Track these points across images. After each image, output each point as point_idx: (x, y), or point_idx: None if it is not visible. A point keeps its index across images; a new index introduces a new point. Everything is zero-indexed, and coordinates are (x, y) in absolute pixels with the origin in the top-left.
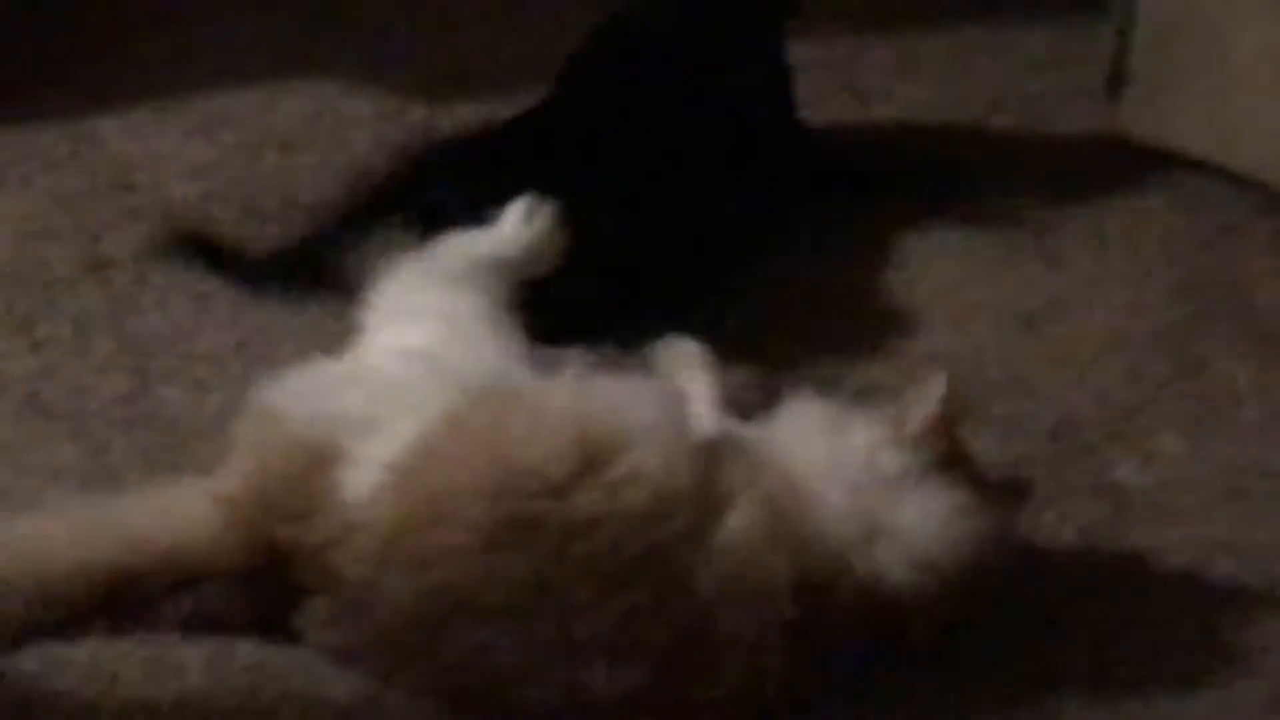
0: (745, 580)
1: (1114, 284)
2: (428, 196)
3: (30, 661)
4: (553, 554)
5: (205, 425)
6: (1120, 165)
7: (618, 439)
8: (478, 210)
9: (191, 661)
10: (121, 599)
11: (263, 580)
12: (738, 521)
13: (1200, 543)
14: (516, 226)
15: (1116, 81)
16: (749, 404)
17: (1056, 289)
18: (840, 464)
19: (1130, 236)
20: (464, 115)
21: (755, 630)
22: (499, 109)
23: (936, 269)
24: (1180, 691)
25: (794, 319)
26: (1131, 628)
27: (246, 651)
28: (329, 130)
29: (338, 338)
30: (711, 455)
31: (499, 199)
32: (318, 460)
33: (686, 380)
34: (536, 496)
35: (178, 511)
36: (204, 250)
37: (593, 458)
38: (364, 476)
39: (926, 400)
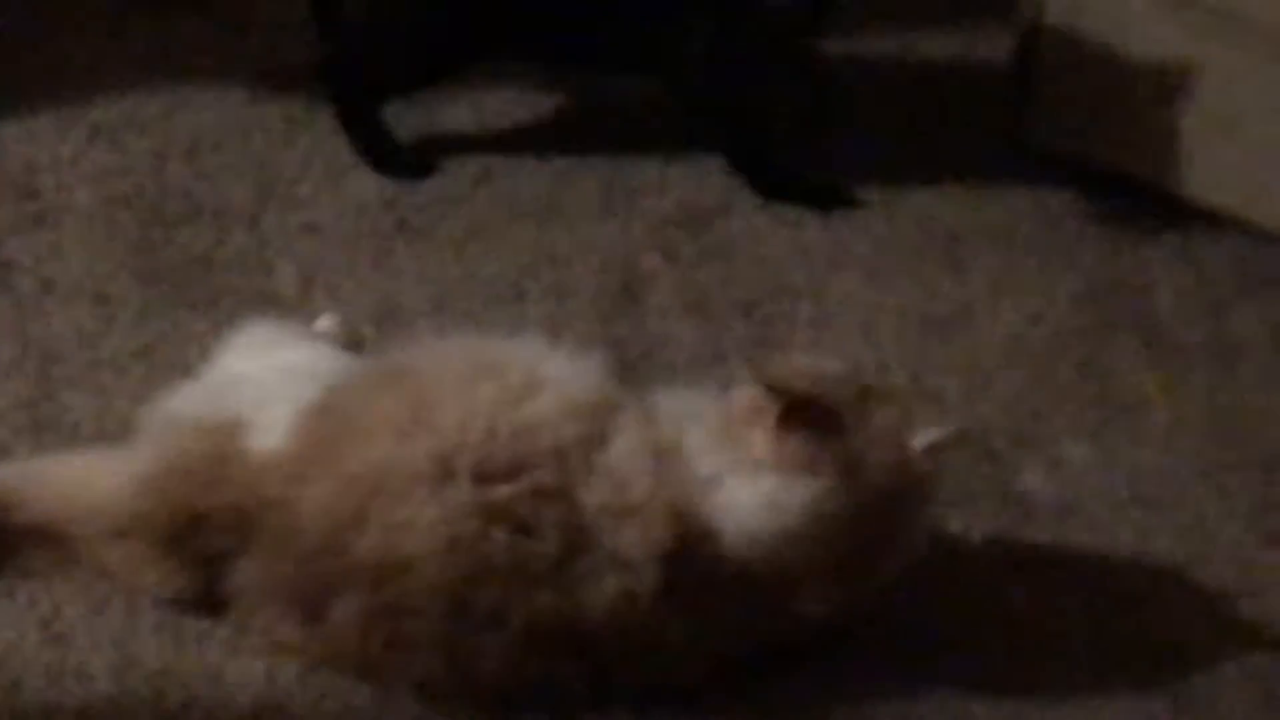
0: (625, 499)
1: (1020, 291)
2: None
3: None
4: (456, 466)
5: (109, 431)
6: (1026, 173)
7: (519, 368)
8: None
9: (97, 667)
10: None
11: (177, 550)
12: (624, 444)
13: (1105, 549)
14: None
15: (1023, 89)
16: None
17: (963, 296)
18: (696, 443)
19: (1036, 244)
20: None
21: (631, 549)
22: (405, 113)
23: (844, 275)
24: (1086, 695)
25: (702, 322)
26: (1037, 632)
27: (152, 657)
28: (235, 135)
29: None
30: (605, 402)
31: None
32: (224, 435)
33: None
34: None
35: (96, 473)
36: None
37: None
38: (272, 429)
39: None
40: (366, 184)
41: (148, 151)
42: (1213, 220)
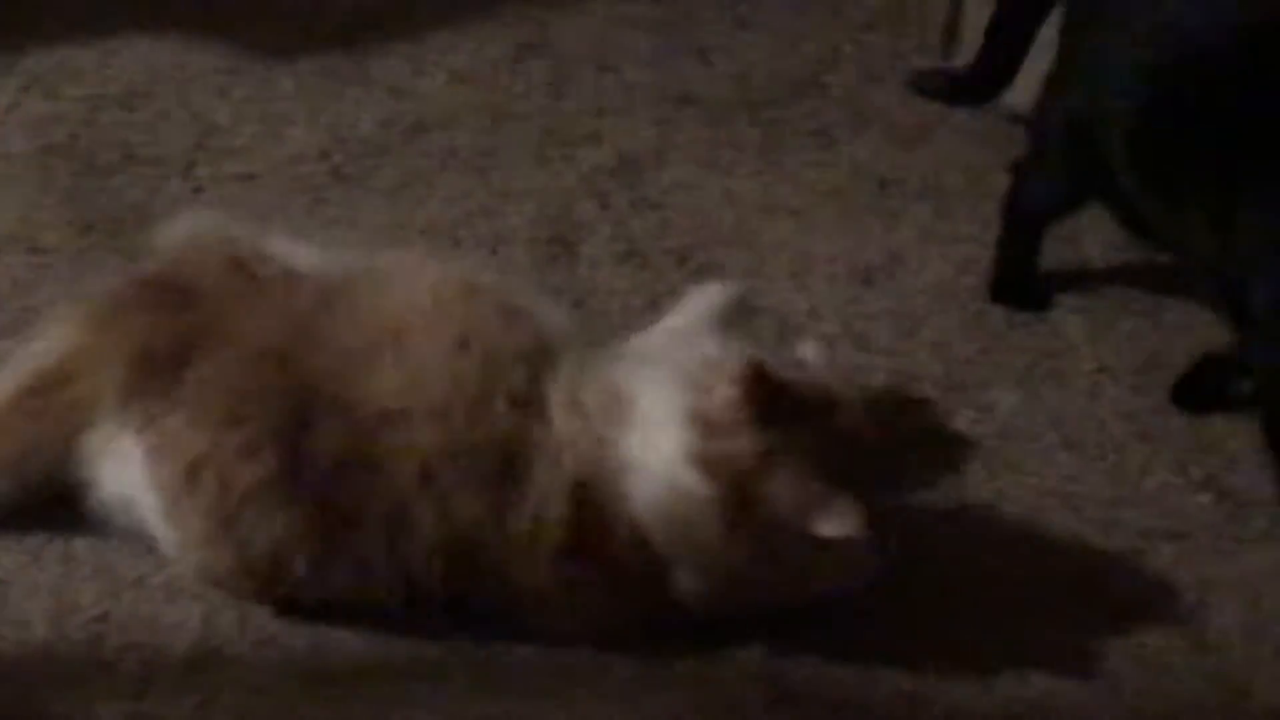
0: (550, 433)
1: (949, 239)
2: None
3: None
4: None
5: None
6: (955, 122)
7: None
8: None
9: (34, 614)
10: None
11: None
12: (569, 384)
13: (1036, 492)
14: None
15: (950, 38)
16: None
17: (894, 245)
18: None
19: (966, 193)
20: (306, 69)
21: (547, 482)
22: (340, 63)
23: (776, 224)
24: (1015, 635)
25: (635, 271)
26: (968, 575)
27: (90, 602)
28: (169, 84)
29: None
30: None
31: None
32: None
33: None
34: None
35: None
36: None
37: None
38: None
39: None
40: (301, 133)
41: (82, 100)
42: None
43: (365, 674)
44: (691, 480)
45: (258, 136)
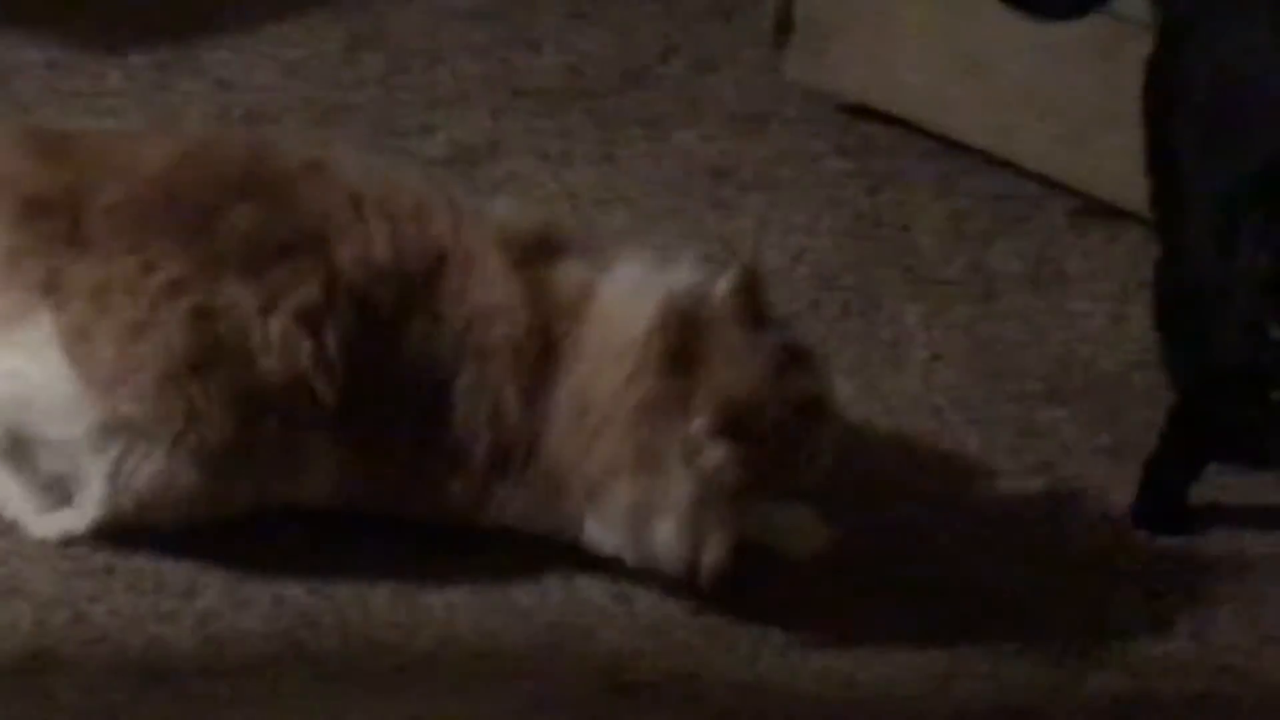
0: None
1: (784, 228)
2: None
3: None
4: None
5: None
6: (789, 112)
7: None
8: None
9: None
10: None
11: None
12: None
13: (870, 481)
14: None
15: (783, 29)
16: None
17: (728, 234)
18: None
19: (800, 182)
20: (136, 62)
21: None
22: (170, 56)
23: (612, 215)
24: (855, 630)
25: None
26: (803, 570)
27: (34, 585)
28: None
29: None
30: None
31: None
32: None
33: None
34: None
35: None
36: None
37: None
38: None
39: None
40: (131, 127)
41: None
42: (970, 156)
43: (198, 672)
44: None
45: None
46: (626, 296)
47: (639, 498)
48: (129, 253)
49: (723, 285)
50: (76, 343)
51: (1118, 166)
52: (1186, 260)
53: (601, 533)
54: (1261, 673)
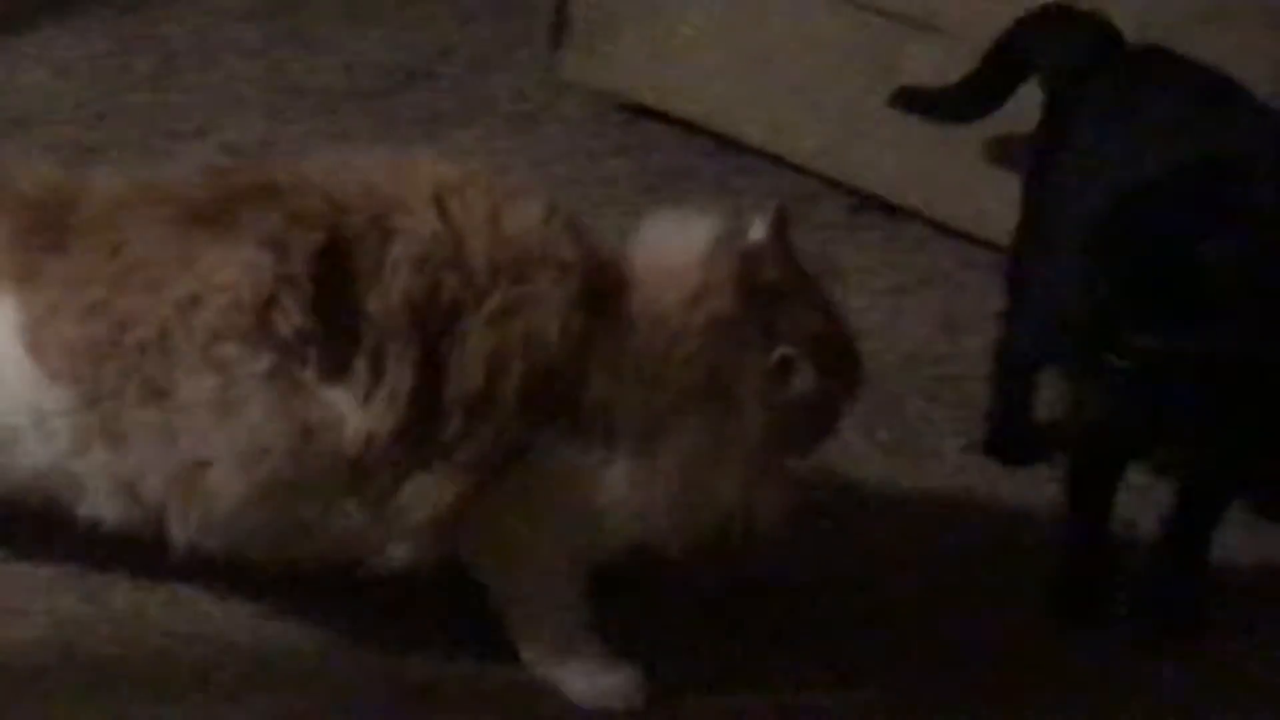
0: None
1: None
2: None
3: None
4: None
5: None
6: (567, 111)
7: None
8: None
9: None
10: None
11: None
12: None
13: None
14: None
15: (559, 29)
16: None
17: None
18: None
19: (578, 181)
20: None
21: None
22: None
23: None
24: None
25: None
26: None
27: None
28: None
29: None
30: None
31: None
32: None
33: None
34: None
35: None
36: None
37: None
38: None
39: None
40: None
41: None
42: (748, 155)
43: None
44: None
45: None
46: (671, 234)
47: (707, 433)
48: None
49: (760, 225)
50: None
51: (893, 163)
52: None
53: (646, 484)
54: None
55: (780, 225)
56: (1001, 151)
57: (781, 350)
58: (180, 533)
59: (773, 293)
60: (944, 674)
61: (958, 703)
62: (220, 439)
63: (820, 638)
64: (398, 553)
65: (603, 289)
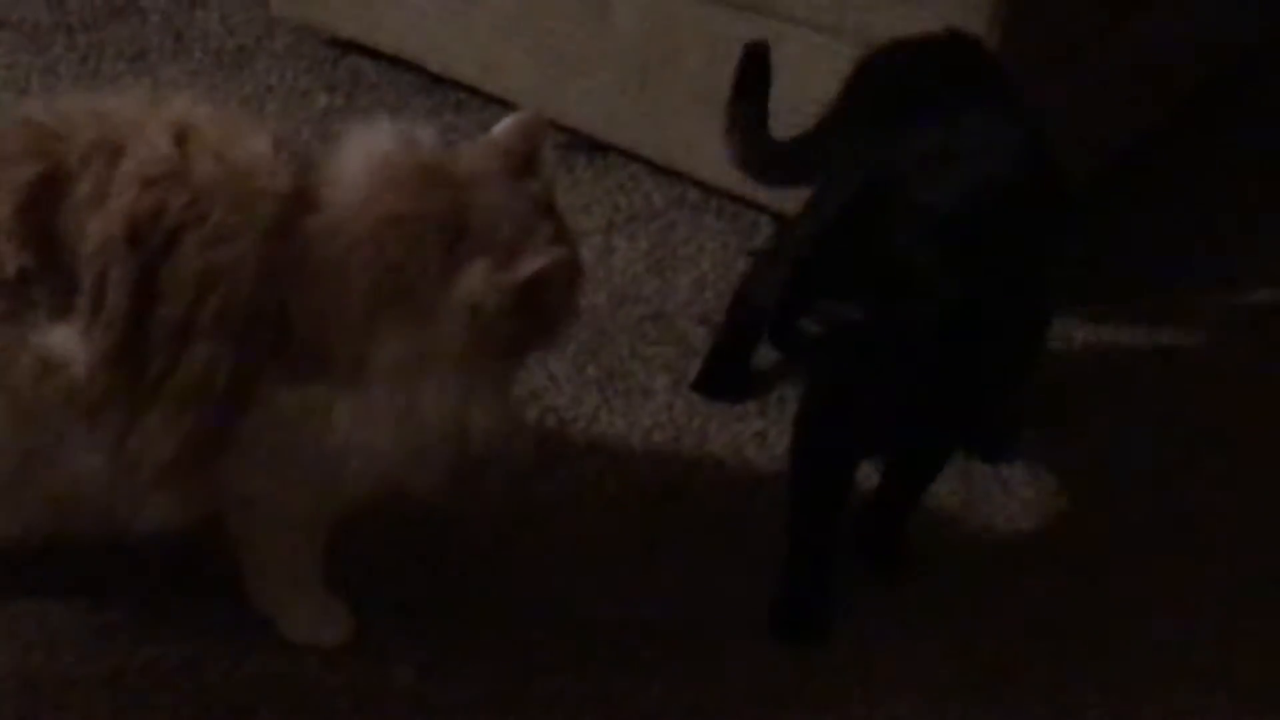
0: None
1: None
2: None
3: None
4: None
5: None
6: (276, 47)
7: None
8: None
9: None
10: None
11: None
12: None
13: None
14: None
15: None
16: None
17: None
18: None
19: (288, 117)
20: None
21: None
22: None
23: None
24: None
25: None
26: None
27: None
28: None
29: None
30: None
31: None
32: None
33: None
34: None
35: None
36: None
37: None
38: None
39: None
40: None
41: None
42: (459, 91)
43: None
44: None
45: None
46: (352, 147)
47: (405, 346)
48: None
49: (499, 129)
50: None
51: (602, 103)
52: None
53: (365, 416)
54: None
55: (530, 132)
56: (710, 91)
57: (468, 245)
58: None
59: (470, 190)
60: (649, 605)
61: (655, 638)
62: None
63: (525, 571)
64: (152, 509)
65: (299, 216)
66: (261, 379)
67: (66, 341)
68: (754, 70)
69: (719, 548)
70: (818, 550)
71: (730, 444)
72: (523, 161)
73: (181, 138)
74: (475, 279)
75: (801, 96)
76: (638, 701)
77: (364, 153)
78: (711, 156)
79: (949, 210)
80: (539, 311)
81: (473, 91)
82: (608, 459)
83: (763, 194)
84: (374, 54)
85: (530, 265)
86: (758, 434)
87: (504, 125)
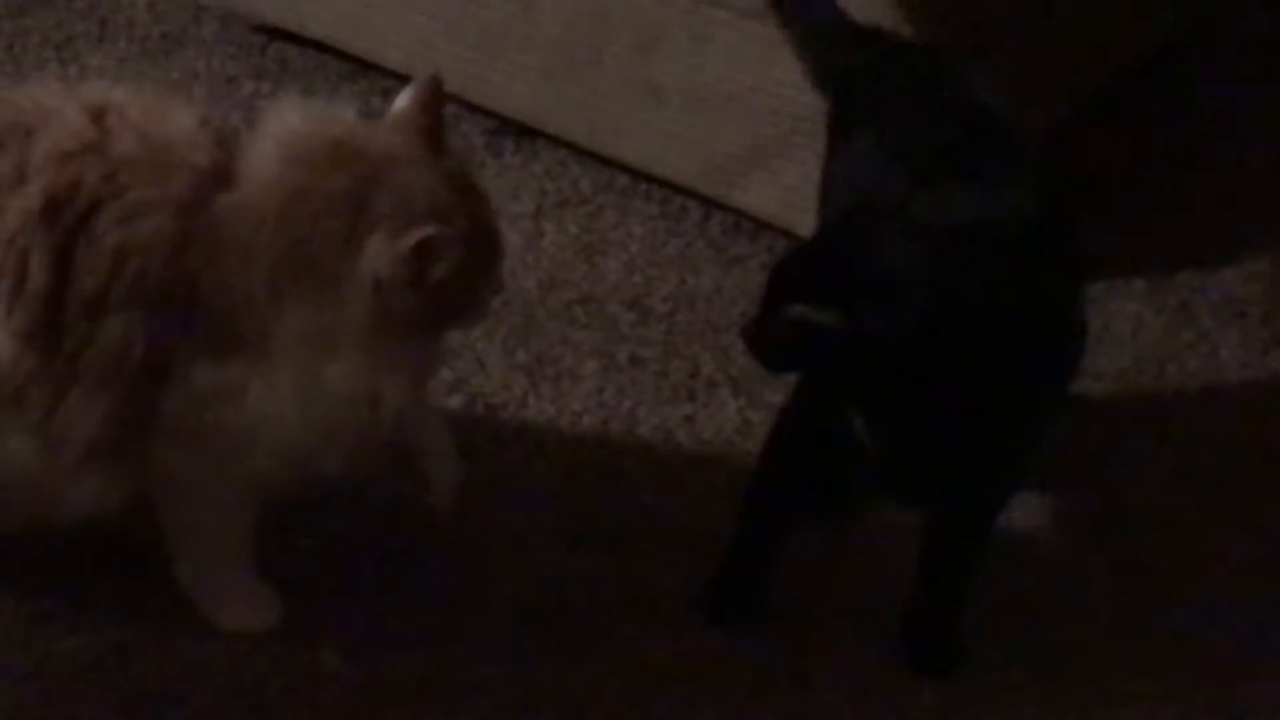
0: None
1: None
2: None
3: None
4: None
5: None
6: (204, 34)
7: None
8: None
9: None
10: None
11: None
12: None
13: None
14: None
15: None
16: None
17: None
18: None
19: (216, 105)
20: None
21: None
22: None
23: None
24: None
25: None
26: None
27: None
28: None
29: None
30: None
31: None
32: None
33: None
34: None
35: None
36: None
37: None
38: None
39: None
40: None
41: None
42: (387, 78)
43: None
44: None
45: None
46: (267, 124)
47: (309, 321)
48: None
49: (403, 99)
50: None
51: (530, 87)
52: None
53: (272, 392)
54: None
55: (429, 95)
56: (638, 76)
57: (370, 220)
58: None
59: (379, 166)
60: (576, 589)
61: (583, 622)
62: None
63: (452, 555)
64: (82, 492)
65: (214, 192)
66: (178, 356)
67: None
68: None
69: (647, 532)
70: (764, 545)
71: (659, 428)
72: (435, 136)
73: (99, 116)
74: (373, 251)
75: (735, 84)
76: (565, 684)
77: (278, 129)
78: (640, 141)
79: (946, 227)
80: (444, 287)
81: (400, 78)
82: (535, 444)
83: (692, 181)
84: (301, 40)
85: (415, 235)
86: (687, 418)
87: (404, 95)
